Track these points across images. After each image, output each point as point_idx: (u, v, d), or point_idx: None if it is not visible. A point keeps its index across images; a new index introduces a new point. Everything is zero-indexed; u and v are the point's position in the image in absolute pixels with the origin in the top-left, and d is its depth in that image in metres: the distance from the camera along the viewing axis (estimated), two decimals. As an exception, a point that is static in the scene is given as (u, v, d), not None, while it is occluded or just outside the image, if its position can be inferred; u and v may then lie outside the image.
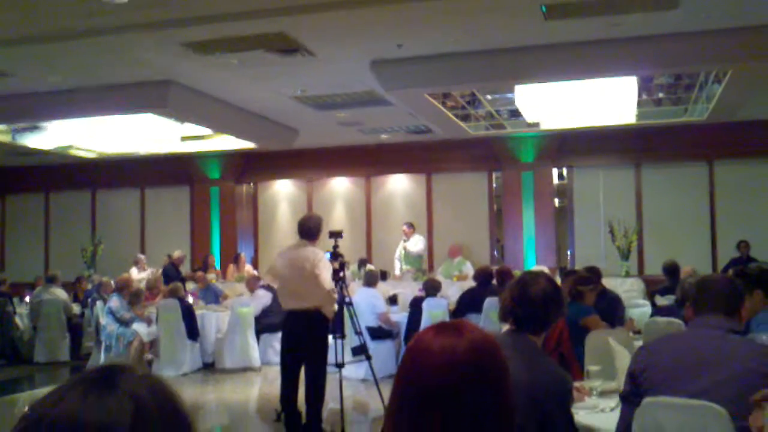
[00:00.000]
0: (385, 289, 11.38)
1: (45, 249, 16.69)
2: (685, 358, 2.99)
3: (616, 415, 3.23)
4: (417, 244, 13.35)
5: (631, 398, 3.03)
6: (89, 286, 12.67)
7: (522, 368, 2.59)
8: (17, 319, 11.91)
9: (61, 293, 11.90)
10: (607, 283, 8.28)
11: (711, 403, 2.80)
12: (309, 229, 6.69)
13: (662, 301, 8.21)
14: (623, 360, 4.04)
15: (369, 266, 12.42)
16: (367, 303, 9.54)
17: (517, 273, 9.93)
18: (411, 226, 13.50)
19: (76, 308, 12.21)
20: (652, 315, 6.89)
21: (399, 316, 10.09)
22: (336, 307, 6.60)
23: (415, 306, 9.63)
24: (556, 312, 2.98)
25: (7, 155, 14.61)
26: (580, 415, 3.54)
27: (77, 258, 15.34)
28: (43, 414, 0.99)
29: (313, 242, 6.67)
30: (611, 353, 4.35)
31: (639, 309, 9.48)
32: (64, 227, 16.55)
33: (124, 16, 7.27)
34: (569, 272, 7.52)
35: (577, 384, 3.78)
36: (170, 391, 1.07)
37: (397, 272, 13.15)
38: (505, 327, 3.11)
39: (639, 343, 5.69)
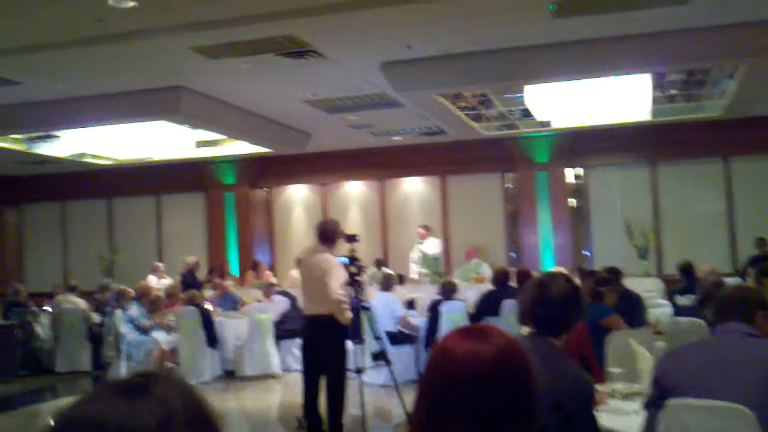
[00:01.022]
0: (402, 293, 11.33)
1: (63, 258, 16.77)
2: (708, 361, 2.96)
3: (639, 417, 3.18)
4: (434, 246, 13.30)
5: (656, 402, 2.98)
6: (109, 295, 12.69)
7: (543, 372, 2.52)
8: (38, 329, 11.94)
9: (80, 302, 11.94)
10: (626, 283, 8.21)
11: (737, 405, 2.76)
12: (326, 233, 6.68)
13: (682, 300, 8.14)
14: (645, 361, 3.99)
15: (385, 269, 12.40)
16: (385, 307, 9.49)
17: (536, 274, 9.86)
18: (427, 228, 13.48)
19: (96, 317, 12.23)
20: (673, 315, 6.81)
21: (417, 320, 10.04)
22: (349, 314, 6.56)
23: (434, 310, 9.57)
24: (576, 313, 2.93)
25: (23, 164, 14.71)
26: (603, 417, 3.48)
27: (95, 267, 15.39)
28: (72, 416, 1.01)
29: (330, 246, 6.65)
30: (633, 355, 4.29)
31: (659, 309, 9.40)
32: (81, 236, 16.64)
33: (133, 21, 7.27)
34: (588, 273, 7.46)
35: (597, 387, 3.72)
36: (201, 399, 1.07)
37: (415, 275, 13.10)
38: (525, 329, 3.07)
39: (661, 344, 5.64)
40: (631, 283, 8.99)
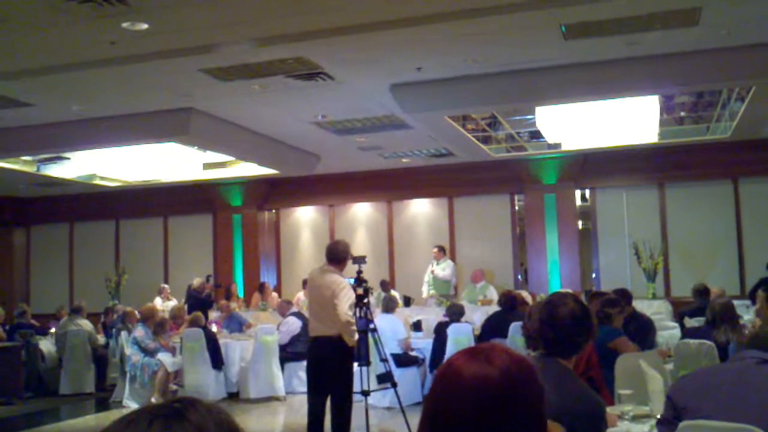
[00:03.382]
0: (408, 314, 11.29)
1: (69, 279, 16.78)
2: (726, 384, 2.93)
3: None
4: (445, 269, 13.24)
5: (669, 421, 2.95)
6: (115, 317, 12.70)
7: (553, 393, 2.51)
8: (43, 350, 11.92)
9: (86, 324, 11.91)
10: (634, 305, 8.17)
11: (748, 426, 2.72)
12: (336, 254, 6.65)
13: (691, 322, 8.09)
14: (655, 383, 3.95)
15: (392, 291, 12.36)
16: (388, 329, 9.42)
17: (541, 296, 9.85)
18: (442, 249, 13.43)
19: (101, 339, 12.21)
20: (682, 337, 6.77)
21: (424, 342, 9.98)
22: (356, 336, 6.52)
23: (440, 332, 9.53)
24: (587, 334, 2.91)
25: (32, 186, 14.77)
26: (613, 440, 3.45)
27: (102, 288, 15.38)
28: None
29: (339, 267, 6.63)
30: (643, 377, 4.24)
31: (668, 331, 9.35)
32: (88, 257, 16.65)
33: (145, 44, 7.33)
34: (595, 294, 7.42)
35: (607, 409, 3.69)
36: (235, 426, 1.08)
37: (424, 295, 13.06)
38: (533, 353, 3.04)
39: (670, 367, 5.59)
40: (639, 306, 8.98)
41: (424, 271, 13.54)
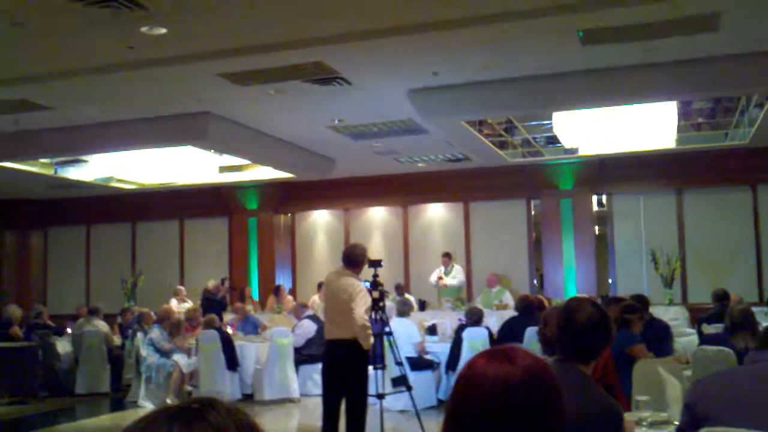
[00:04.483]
0: (423, 318, 11.28)
1: (86, 281, 16.88)
2: (744, 390, 2.90)
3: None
4: (455, 276, 13.33)
5: (688, 429, 2.93)
6: (131, 318, 12.77)
7: (571, 399, 2.50)
8: (59, 350, 12.00)
9: (102, 325, 11.99)
10: (651, 311, 8.12)
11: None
12: (354, 258, 6.64)
13: (709, 329, 8.04)
14: (674, 390, 3.93)
15: (407, 295, 12.36)
16: (403, 333, 9.41)
17: (557, 302, 9.81)
18: (449, 256, 13.47)
19: (117, 340, 12.28)
20: (700, 343, 6.73)
21: (439, 345, 9.97)
22: (372, 340, 6.52)
23: (459, 334, 9.49)
24: (605, 340, 2.90)
25: (50, 188, 14.87)
26: (630, 447, 3.43)
27: (118, 290, 15.47)
28: None
29: (356, 271, 6.62)
30: (661, 383, 4.23)
31: (685, 338, 9.31)
32: (105, 259, 16.75)
33: (163, 48, 7.37)
34: (613, 299, 7.39)
35: (624, 416, 3.67)
36: (256, 427, 1.07)
37: (438, 303, 13.09)
38: (549, 360, 3.03)
39: (688, 373, 5.56)
40: (656, 312, 8.94)
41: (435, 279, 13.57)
